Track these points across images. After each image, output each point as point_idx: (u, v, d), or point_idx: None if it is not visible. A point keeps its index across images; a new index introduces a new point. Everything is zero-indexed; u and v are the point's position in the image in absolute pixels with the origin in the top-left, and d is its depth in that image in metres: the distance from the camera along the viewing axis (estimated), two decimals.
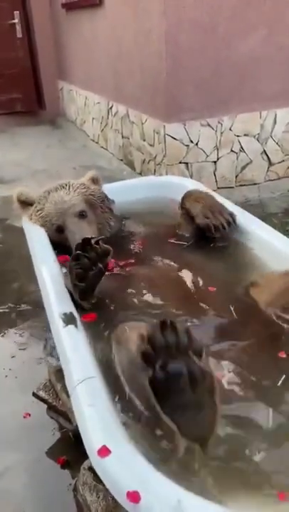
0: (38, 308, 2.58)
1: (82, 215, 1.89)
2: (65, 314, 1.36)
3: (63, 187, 2.00)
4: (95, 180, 2.15)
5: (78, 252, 1.42)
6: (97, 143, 5.60)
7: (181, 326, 1.02)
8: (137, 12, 3.86)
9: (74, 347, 1.23)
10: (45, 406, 1.90)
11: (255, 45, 3.66)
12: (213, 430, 1.01)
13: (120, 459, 0.91)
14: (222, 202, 2.05)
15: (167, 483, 0.86)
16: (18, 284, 2.92)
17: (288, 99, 3.94)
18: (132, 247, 2.01)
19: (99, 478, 1.45)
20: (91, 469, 1.49)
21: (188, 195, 2.09)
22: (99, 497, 1.42)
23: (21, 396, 2.01)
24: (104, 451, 0.93)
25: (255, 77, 3.77)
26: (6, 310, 2.68)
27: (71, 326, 1.32)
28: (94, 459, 0.93)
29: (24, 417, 1.92)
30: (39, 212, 1.99)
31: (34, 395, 1.84)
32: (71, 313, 1.37)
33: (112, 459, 0.91)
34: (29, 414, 1.93)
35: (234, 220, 1.94)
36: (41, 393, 1.81)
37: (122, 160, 4.86)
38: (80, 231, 1.81)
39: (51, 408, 1.80)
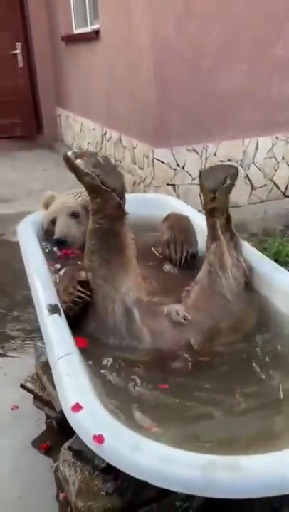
0: (28, 314, 2.77)
1: (74, 215, 2.18)
2: (50, 305, 1.56)
3: (73, 194, 2.35)
4: None
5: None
6: None
7: None
8: (128, 46, 4.19)
9: (56, 330, 1.42)
10: (32, 399, 2.07)
11: (237, 78, 3.97)
12: None
13: (89, 413, 1.10)
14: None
15: (126, 430, 1.05)
16: (10, 292, 3.11)
17: (269, 129, 4.23)
18: None
19: (77, 455, 1.64)
20: (70, 448, 1.66)
21: (167, 219, 2.31)
22: (76, 471, 1.59)
23: (10, 391, 2.18)
24: (77, 407, 1.12)
25: (238, 107, 4.06)
26: None
27: (55, 315, 1.51)
28: (68, 413, 1.12)
29: (12, 409, 2.09)
30: (48, 211, 2.35)
31: (22, 386, 2.01)
32: (56, 304, 1.57)
33: (83, 412, 1.10)
34: (17, 407, 2.10)
35: (189, 256, 2.12)
36: (28, 385, 1.98)
37: None
38: (64, 225, 2.10)
39: (37, 398, 1.97)
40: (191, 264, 2.12)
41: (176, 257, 2.12)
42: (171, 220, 2.28)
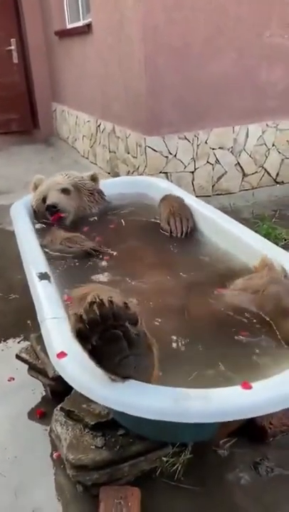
0: (24, 296, 2.86)
1: (64, 191, 2.31)
2: (40, 273, 1.66)
3: (62, 174, 2.52)
4: (94, 178, 2.65)
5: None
6: (87, 158, 5.97)
7: (119, 301, 1.15)
8: (120, 38, 4.27)
9: (45, 292, 1.52)
10: (27, 370, 2.17)
11: (226, 67, 4.05)
12: (152, 373, 1.27)
13: (72, 359, 1.20)
14: (191, 205, 2.45)
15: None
16: (8, 277, 3.20)
17: (258, 116, 4.32)
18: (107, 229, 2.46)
19: (68, 415, 1.74)
20: (62, 409, 1.76)
21: (164, 199, 2.53)
22: (68, 429, 1.69)
23: (6, 365, 2.28)
24: (61, 355, 1.22)
25: (227, 95, 4.15)
26: None
27: (45, 281, 1.61)
28: (54, 360, 1.22)
29: (8, 380, 2.19)
30: (37, 191, 2.49)
31: (17, 356, 2.10)
32: (46, 272, 1.67)
33: (67, 359, 1.20)
34: (13, 378, 2.20)
35: (189, 229, 2.35)
36: (23, 355, 2.08)
37: (109, 173, 5.21)
38: (56, 198, 2.24)
39: (32, 368, 2.07)
40: (189, 236, 2.33)
41: (177, 230, 2.33)
42: (168, 200, 2.49)
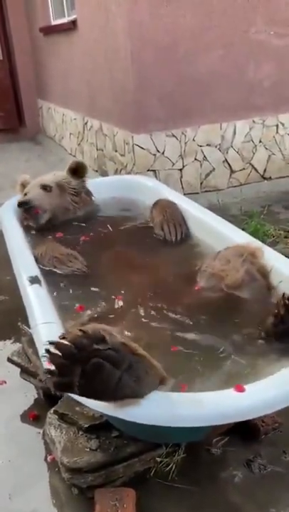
0: (14, 298, 2.84)
1: (44, 188, 2.30)
2: (31, 277, 1.65)
3: (53, 174, 2.51)
4: (71, 170, 2.55)
5: None
6: (74, 156, 5.93)
7: (74, 333, 1.05)
8: (105, 34, 4.24)
9: (37, 297, 1.51)
10: (18, 374, 2.16)
11: (213, 63, 4.05)
12: (157, 374, 1.22)
13: None
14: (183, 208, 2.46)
15: None
16: None
17: (246, 113, 4.33)
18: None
19: (62, 418, 1.74)
20: (56, 412, 1.76)
21: (157, 204, 2.50)
22: (62, 432, 1.69)
23: None
24: None
25: (215, 92, 4.15)
26: None
27: (36, 285, 1.60)
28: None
29: (0, 383, 2.18)
30: (24, 191, 2.47)
31: (9, 360, 2.09)
32: (36, 276, 1.66)
33: None
34: (5, 382, 2.19)
35: (183, 235, 2.35)
36: (15, 358, 2.07)
37: (96, 171, 5.19)
38: (31, 195, 2.23)
39: (24, 371, 2.06)
40: (184, 242, 2.32)
41: (171, 236, 2.31)
42: (161, 205, 2.46)
